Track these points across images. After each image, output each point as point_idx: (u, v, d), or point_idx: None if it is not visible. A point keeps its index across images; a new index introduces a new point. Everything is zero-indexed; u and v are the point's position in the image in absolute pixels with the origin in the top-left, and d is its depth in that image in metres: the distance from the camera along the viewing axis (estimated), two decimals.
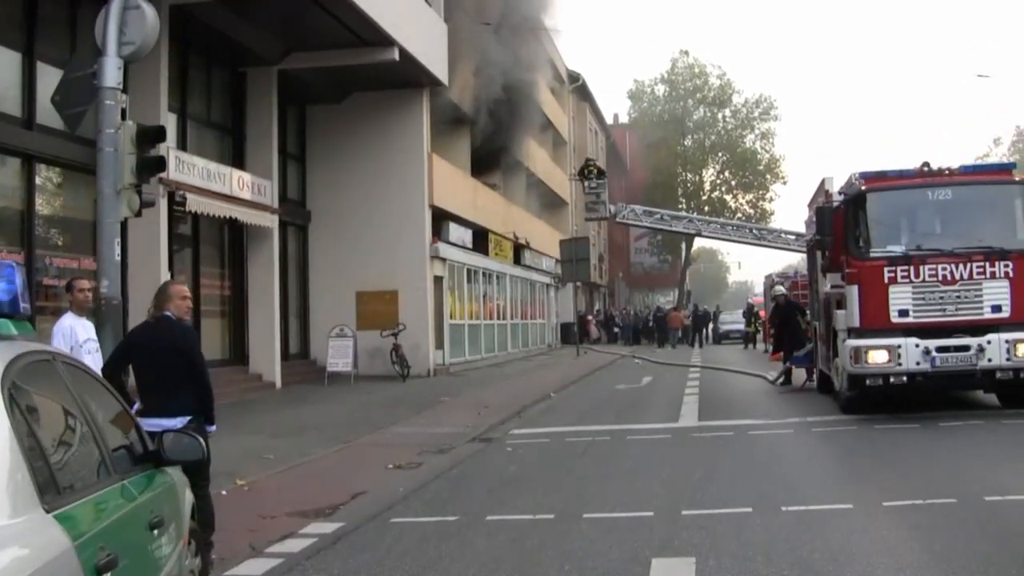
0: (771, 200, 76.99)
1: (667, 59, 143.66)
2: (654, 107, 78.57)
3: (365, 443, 16.08)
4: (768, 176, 76.14)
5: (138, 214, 13.47)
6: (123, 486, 4.71)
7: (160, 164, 12.90)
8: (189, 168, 22.15)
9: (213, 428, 8.61)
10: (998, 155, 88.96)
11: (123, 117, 12.95)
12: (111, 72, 12.58)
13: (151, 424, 8.25)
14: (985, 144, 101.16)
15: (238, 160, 25.77)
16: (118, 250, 12.72)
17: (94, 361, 9.72)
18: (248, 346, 26.04)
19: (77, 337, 10.07)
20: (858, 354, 16.47)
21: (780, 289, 27.55)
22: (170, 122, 22.26)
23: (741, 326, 57.12)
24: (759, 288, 72.04)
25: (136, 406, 8.41)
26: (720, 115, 76.91)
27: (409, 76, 28.55)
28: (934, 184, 16.86)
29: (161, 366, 8.38)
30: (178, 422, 8.24)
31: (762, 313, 51.06)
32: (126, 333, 9.77)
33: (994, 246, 16.37)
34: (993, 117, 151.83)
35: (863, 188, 17.02)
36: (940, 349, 16.19)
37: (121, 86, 12.72)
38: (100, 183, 12.55)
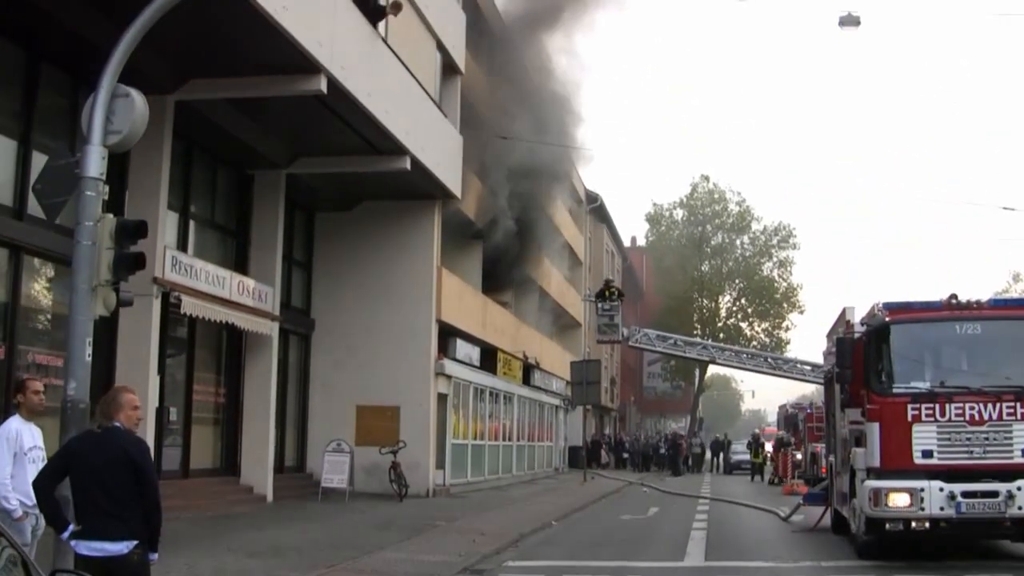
0: (787, 329, 76.14)
1: (687, 183, 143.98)
2: (672, 231, 78.17)
3: (345, 570, 14.98)
4: (785, 305, 75.38)
5: (114, 313, 12.67)
6: None
7: (139, 261, 12.04)
8: (186, 269, 21.43)
9: (155, 557, 7.66)
10: (1018, 290, 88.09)
11: (110, 211, 12.26)
12: (94, 161, 11.82)
13: (92, 548, 7.38)
14: (1004, 279, 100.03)
15: (241, 264, 25.08)
16: (89, 350, 11.82)
17: (37, 471, 8.81)
18: (240, 456, 25.03)
19: (23, 443, 9.18)
20: (878, 496, 15.45)
21: None
22: (170, 221, 21.77)
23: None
24: (772, 417, 70.88)
25: (71, 528, 7.51)
26: (738, 241, 76.49)
27: (421, 187, 28.00)
28: (962, 318, 16.02)
29: (107, 482, 7.44)
30: (123, 547, 7.39)
31: (773, 443, 49.85)
32: (64, 442, 8.80)
33: None
34: (1016, 251, 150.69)
35: (887, 319, 16.19)
36: (966, 494, 15.16)
37: (104, 176, 11.98)
38: (74, 278, 11.74)
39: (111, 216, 11.96)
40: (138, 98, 12.18)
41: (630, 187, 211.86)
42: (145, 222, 12.09)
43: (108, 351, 19.53)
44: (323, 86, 19.71)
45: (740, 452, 62.09)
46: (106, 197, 12.09)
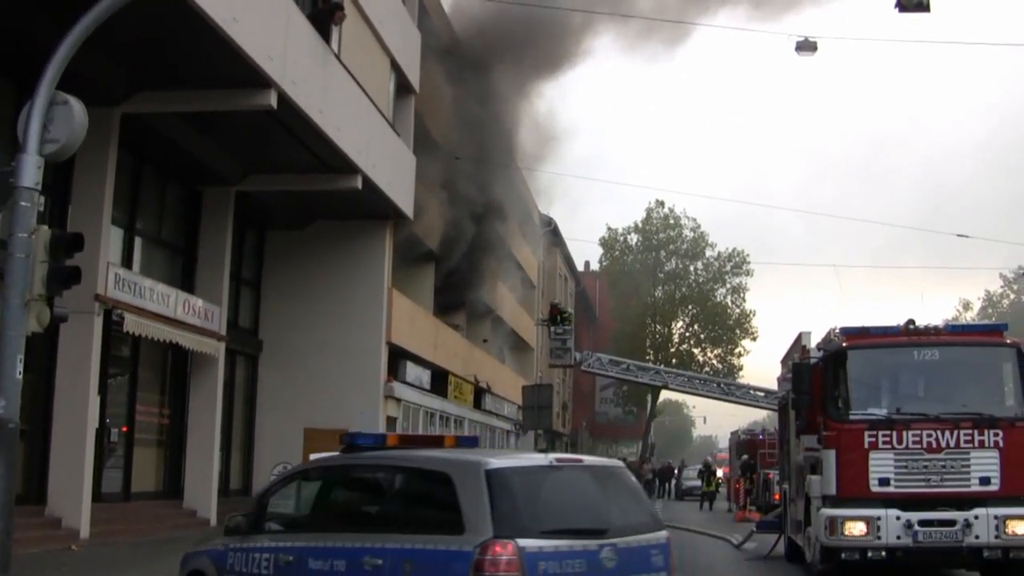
0: (740, 355, 76.09)
1: (641, 208, 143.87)
2: (626, 256, 78.03)
3: None
4: (738, 331, 75.38)
5: (54, 330, 12.24)
6: None
7: (74, 276, 11.62)
8: (131, 287, 20.89)
9: None
10: (968, 319, 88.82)
11: (53, 224, 11.85)
12: (29, 171, 11.41)
13: None
14: (954, 308, 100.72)
15: (188, 282, 24.53)
16: (20, 367, 11.37)
17: None
18: (184, 479, 24.44)
19: None
20: (834, 525, 15.19)
21: None
22: (115, 237, 21.32)
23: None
24: (724, 443, 70.65)
25: None
26: (692, 267, 76.42)
27: (373, 207, 27.59)
28: (920, 344, 15.81)
29: None
30: None
31: (725, 469, 49.27)
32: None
33: (983, 413, 15.24)
34: (966, 280, 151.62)
35: (844, 345, 15.96)
36: (923, 523, 14.92)
37: (39, 187, 11.54)
38: (7, 292, 11.32)
39: (46, 228, 11.56)
40: (77, 106, 11.77)
41: (584, 211, 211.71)
42: (81, 235, 11.68)
43: (48, 369, 19.04)
44: (273, 101, 19.31)
45: (692, 478, 61.49)
46: (42, 208, 11.70)
